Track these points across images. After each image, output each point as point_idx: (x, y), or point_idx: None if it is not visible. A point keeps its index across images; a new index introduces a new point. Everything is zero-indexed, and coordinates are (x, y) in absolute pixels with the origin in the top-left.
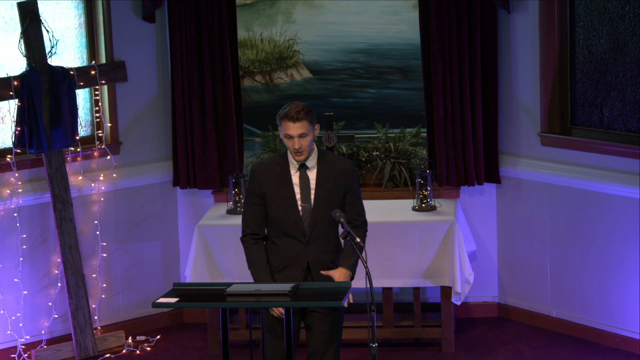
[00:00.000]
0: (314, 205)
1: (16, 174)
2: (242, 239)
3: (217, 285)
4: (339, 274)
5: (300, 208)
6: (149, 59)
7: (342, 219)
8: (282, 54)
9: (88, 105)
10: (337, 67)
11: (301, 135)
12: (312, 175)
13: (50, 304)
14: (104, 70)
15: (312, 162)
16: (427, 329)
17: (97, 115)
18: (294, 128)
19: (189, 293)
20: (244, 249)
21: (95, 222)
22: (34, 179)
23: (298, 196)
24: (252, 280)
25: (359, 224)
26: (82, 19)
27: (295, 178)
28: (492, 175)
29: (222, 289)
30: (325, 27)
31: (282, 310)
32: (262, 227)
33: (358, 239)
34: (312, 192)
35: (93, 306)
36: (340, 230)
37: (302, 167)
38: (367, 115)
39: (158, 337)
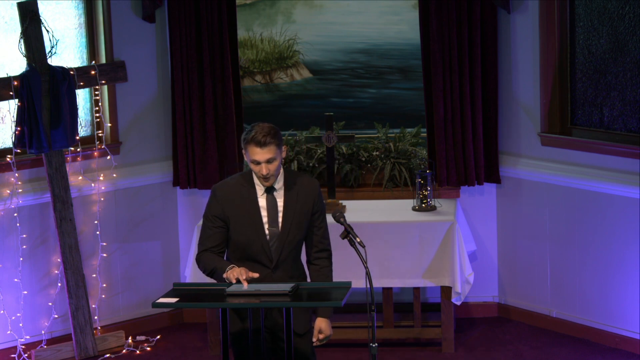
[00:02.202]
0: (282, 229)
1: (16, 174)
2: (196, 258)
3: (217, 285)
4: (324, 325)
5: (267, 232)
6: (149, 59)
7: (341, 219)
8: (282, 54)
9: (88, 105)
10: (337, 67)
11: (269, 161)
12: (279, 198)
13: (50, 304)
14: (104, 70)
15: (279, 184)
16: (427, 329)
17: (97, 115)
18: (260, 153)
19: (189, 293)
20: (198, 264)
21: (95, 222)
22: (34, 179)
23: (265, 219)
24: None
25: (323, 248)
26: (82, 19)
27: (262, 201)
28: (492, 175)
29: (222, 289)
30: (325, 27)
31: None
32: (220, 248)
33: (359, 239)
34: (280, 215)
35: (93, 306)
36: (341, 229)
37: (269, 190)
38: (367, 115)
39: (158, 337)
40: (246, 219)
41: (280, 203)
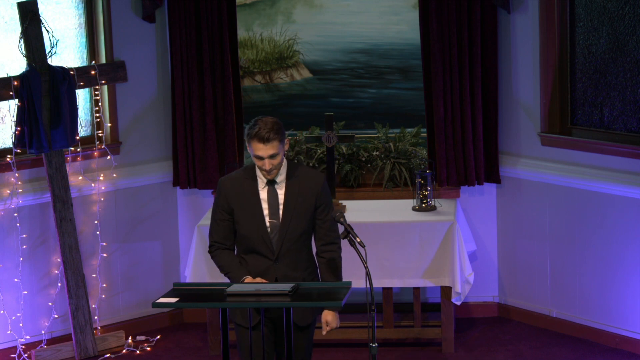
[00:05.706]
0: (282, 221)
1: (16, 174)
2: (210, 251)
3: (217, 285)
4: (330, 317)
5: (268, 224)
6: (149, 59)
7: (341, 219)
8: (282, 54)
9: (88, 105)
10: (337, 67)
11: (271, 156)
12: (280, 190)
13: (50, 304)
14: (104, 70)
15: (281, 177)
16: (427, 329)
17: (97, 115)
18: (263, 149)
19: (189, 293)
20: (213, 259)
21: (95, 222)
22: (34, 179)
23: (266, 212)
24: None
25: (330, 241)
26: (82, 19)
27: (263, 193)
28: (492, 175)
29: (222, 289)
30: (325, 27)
31: None
32: (230, 240)
33: (359, 239)
34: (281, 207)
35: (93, 306)
36: (341, 229)
37: (271, 183)
38: (367, 115)
39: (158, 337)
40: (248, 212)
41: (281, 195)
